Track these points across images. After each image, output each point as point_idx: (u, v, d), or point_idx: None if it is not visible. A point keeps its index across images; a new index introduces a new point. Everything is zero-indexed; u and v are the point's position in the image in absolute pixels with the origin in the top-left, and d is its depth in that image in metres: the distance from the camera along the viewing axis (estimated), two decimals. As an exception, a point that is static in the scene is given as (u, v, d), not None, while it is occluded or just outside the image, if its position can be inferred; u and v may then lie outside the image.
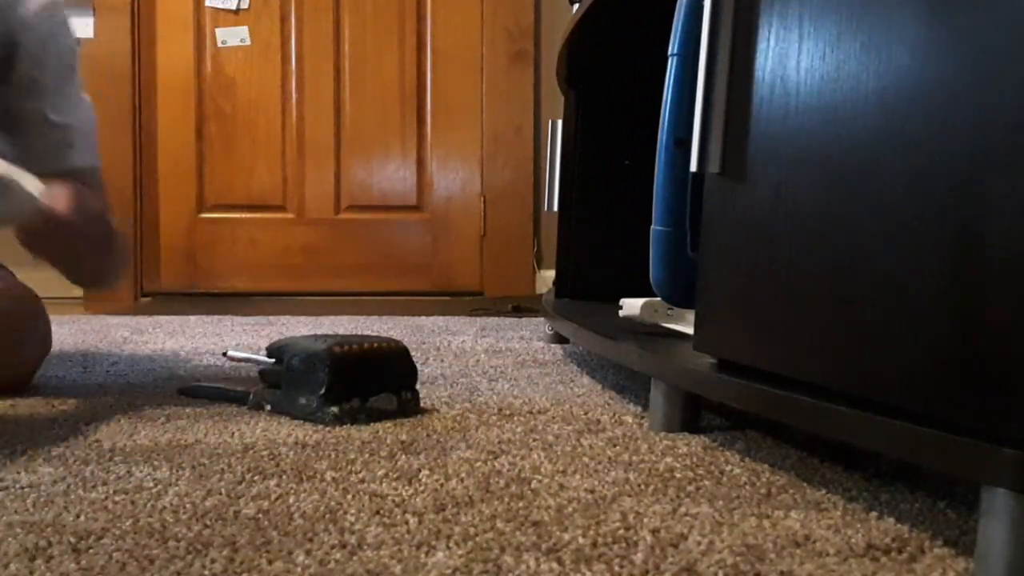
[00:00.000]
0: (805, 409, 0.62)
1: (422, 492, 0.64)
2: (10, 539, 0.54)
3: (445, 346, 1.44)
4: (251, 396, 0.92)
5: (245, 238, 2.59)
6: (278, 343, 0.91)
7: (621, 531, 0.56)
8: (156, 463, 0.71)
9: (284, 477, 0.67)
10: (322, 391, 0.85)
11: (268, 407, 0.90)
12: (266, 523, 0.57)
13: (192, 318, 1.87)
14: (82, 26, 2.42)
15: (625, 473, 0.69)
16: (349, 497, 0.62)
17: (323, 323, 1.79)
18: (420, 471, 0.69)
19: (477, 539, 0.54)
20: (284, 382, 0.89)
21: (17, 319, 1.02)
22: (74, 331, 1.62)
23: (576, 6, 1.39)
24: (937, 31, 0.54)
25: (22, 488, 0.64)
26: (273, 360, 0.90)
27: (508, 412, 0.91)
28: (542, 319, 1.63)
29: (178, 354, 1.34)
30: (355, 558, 0.51)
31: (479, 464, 0.71)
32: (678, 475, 0.68)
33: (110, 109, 2.50)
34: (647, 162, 0.95)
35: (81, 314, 2.00)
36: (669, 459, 0.73)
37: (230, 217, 2.59)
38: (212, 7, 2.56)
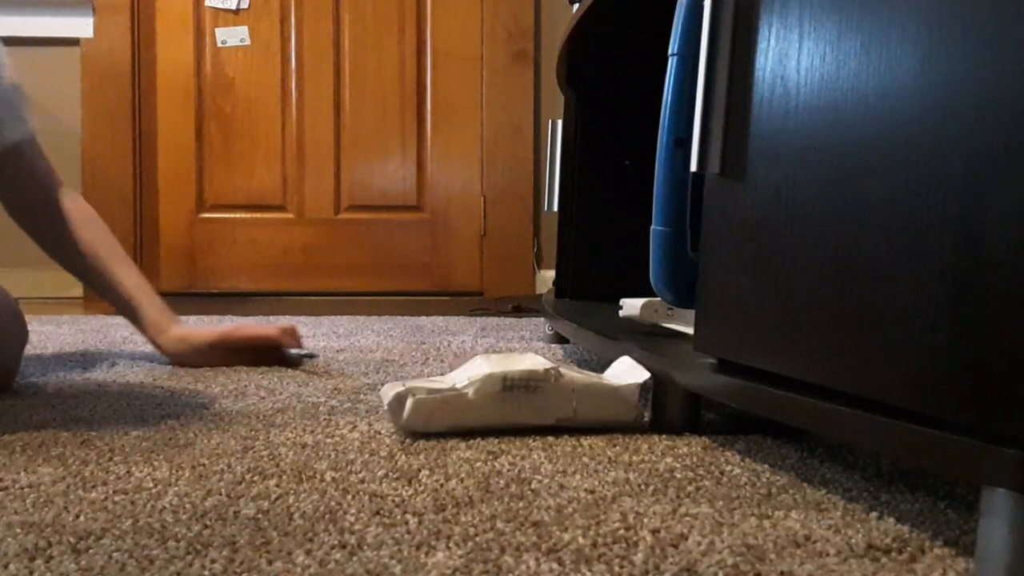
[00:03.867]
0: (805, 409, 0.62)
1: (422, 492, 0.64)
2: (10, 539, 0.54)
3: (445, 346, 1.44)
4: None
5: (245, 238, 2.59)
6: None
7: (621, 531, 0.56)
8: (156, 463, 0.71)
9: (284, 477, 0.67)
10: None
11: None
12: (266, 523, 0.57)
13: (192, 318, 1.87)
14: (82, 26, 2.42)
15: (625, 473, 0.69)
16: (349, 497, 0.62)
17: (323, 323, 1.79)
18: (420, 471, 0.69)
19: (477, 539, 0.54)
20: None
21: None
22: (74, 331, 1.62)
23: (576, 6, 1.39)
24: (937, 31, 0.54)
25: (22, 488, 0.64)
26: None
27: (508, 412, 0.91)
28: (542, 319, 1.63)
29: (178, 354, 1.34)
30: (355, 558, 0.51)
31: (479, 464, 0.71)
32: (678, 475, 0.68)
33: (110, 109, 2.50)
34: (647, 162, 0.95)
35: (81, 314, 2.00)
36: (669, 459, 0.73)
37: (230, 217, 2.59)
38: (212, 7, 2.56)
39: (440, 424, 0.80)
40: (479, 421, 0.80)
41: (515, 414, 0.81)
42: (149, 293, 1.20)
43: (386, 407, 0.80)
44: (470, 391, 0.80)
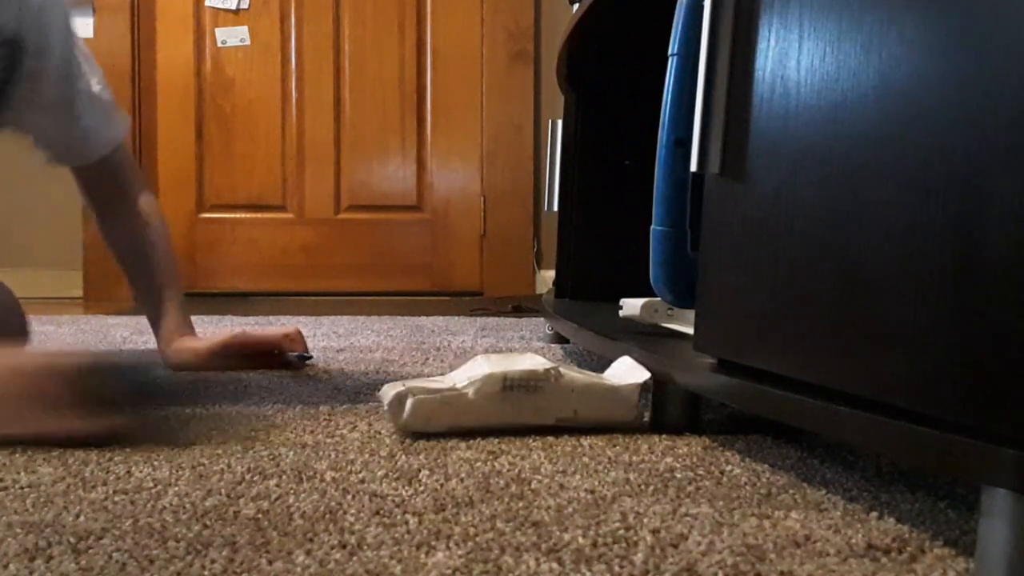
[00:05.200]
0: (805, 409, 0.62)
1: (422, 492, 0.64)
2: (10, 539, 0.54)
3: (445, 346, 1.44)
4: None
5: (245, 238, 2.59)
6: None
7: (621, 531, 0.56)
8: (156, 463, 0.71)
9: (284, 477, 0.67)
10: None
11: None
12: (266, 523, 0.57)
13: (192, 318, 1.87)
14: (82, 26, 2.42)
15: (625, 473, 0.69)
16: (349, 497, 0.62)
17: (323, 323, 1.79)
18: (420, 471, 0.69)
19: (477, 539, 0.54)
20: None
21: None
22: (74, 331, 1.62)
23: (576, 6, 1.39)
24: (937, 31, 0.54)
25: (22, 488, 0.64)
26: None
27: (508, 412, 0.91)
28: (542, 319, 1.63)
29: (178, 354, 1.34)
30: (355, 558, 0.51)
31: (479, 464, 0.71)
32: (678, 475, 0.68)
33: (110, 109, 2.50)
34: (647, 162, 0.95)
35: (81, 314, 2.00)
36: (669, 459, 0.73)
37: (230, 217, 2.59)
38: (212, 7, 2.56)
39: (440, 424, 0.80)
40: (479, 421, 0.80)
41: (515, 414, 0.81)
42: (175, 305, 1.21)
43: (386, 407, 0.80)
44: (470, 391, 0.80)
